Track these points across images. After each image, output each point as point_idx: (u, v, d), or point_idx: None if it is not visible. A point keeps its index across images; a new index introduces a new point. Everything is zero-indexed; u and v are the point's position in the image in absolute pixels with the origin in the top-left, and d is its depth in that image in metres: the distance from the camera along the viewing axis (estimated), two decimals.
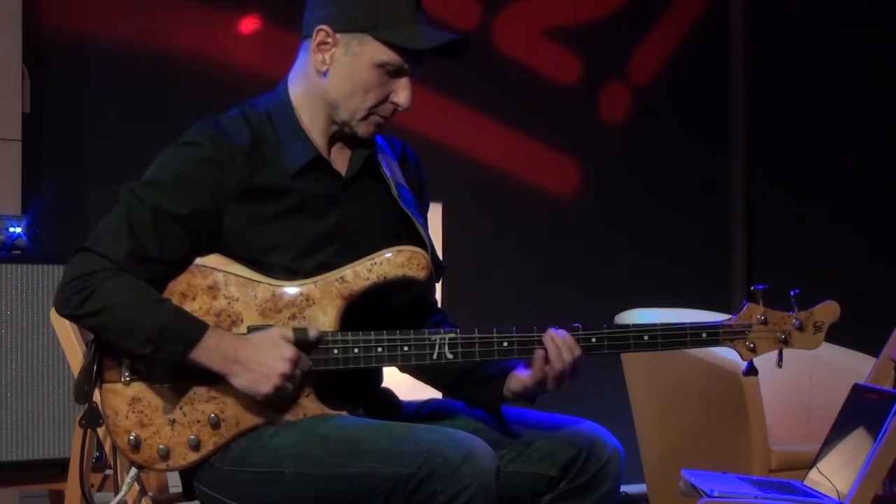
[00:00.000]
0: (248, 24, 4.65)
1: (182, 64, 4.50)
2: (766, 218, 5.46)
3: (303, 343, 2.25)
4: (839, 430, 2.92)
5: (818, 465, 2.89)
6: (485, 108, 5.06)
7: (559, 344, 2.29)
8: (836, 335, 4.19)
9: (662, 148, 5.35)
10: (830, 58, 5.54)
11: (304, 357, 2.25)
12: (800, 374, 4.16)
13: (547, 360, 2.30)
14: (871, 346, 3.49)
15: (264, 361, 2.22)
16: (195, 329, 2.23)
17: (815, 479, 2.87)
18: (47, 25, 4.33)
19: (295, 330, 2.25)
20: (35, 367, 3.45)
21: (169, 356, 2.22)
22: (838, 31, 5.56)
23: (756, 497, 2.77)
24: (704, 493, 2.79)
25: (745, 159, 5.47)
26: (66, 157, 4.37)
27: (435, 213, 4.31)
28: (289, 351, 2.22)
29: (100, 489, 3.35)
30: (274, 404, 2.27)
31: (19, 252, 3.49)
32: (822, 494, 2.81)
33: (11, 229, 3.50)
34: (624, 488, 4.70)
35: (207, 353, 2.22)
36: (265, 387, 2.22)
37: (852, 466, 2.76)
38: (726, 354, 3.83)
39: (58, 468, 3.43)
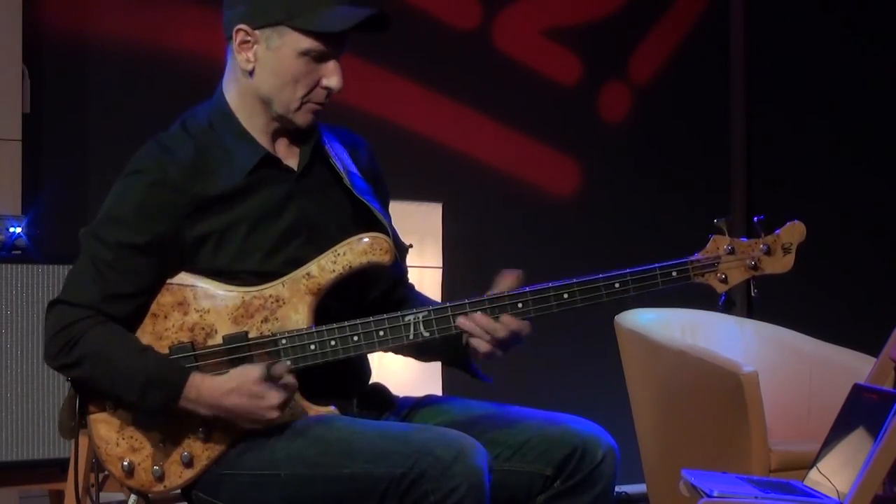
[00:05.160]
0: None
1: (182, 64, 4.49)
2: (767, 217, 5.44)
3: (278, 378, 2.24)
4: (839, 430, 2.91)
5: (818, 465, 2.89)
6: (485, 108, 5.06)
7: (472, 327, 2.28)
8: (837, 335, 4.22)
9: (662, 148, 5.35)
10: (830, 57, 5.54)
11: (291, 380, 2.25)
12: (800, 374, 4.16)
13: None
14: (871, 346, 3.49)
15: (252, 412, 2.23)
16: (178, 377, 2.23)
17: (815, 479, 2.87)
18: (47, 25, 4.32)
19: (269, 367, 2.23)
20: (35, 368, 3.45)
21: (154, 404, 2.23)
22: (838, 30, 5.56)
23: (756, 497, 2.77)
24: (704, 493, 2.79)
25: (745, 159, 5.47)
26: (66, 157, 4.37)
27: (435, 213, 4.33)
28: (276, 398, 2.23)
29: (100, 489, 3.35)
30: None
31: (19, 252, 3.48)
32: (822, 494, 2.81)
33: (11, 229, 3.50)
34: (623, 488, 4.73)
35: (193, 402, 2.24)
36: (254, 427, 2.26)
37: (852, 466, 2.76)
38: (726, 354, 3.84)
39: (58, 468, 3.43)
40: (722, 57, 5.46)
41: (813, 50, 5.54)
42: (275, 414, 2.23)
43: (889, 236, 5.47)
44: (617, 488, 2.36)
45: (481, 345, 2.29)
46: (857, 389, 2.97)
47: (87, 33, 4.42)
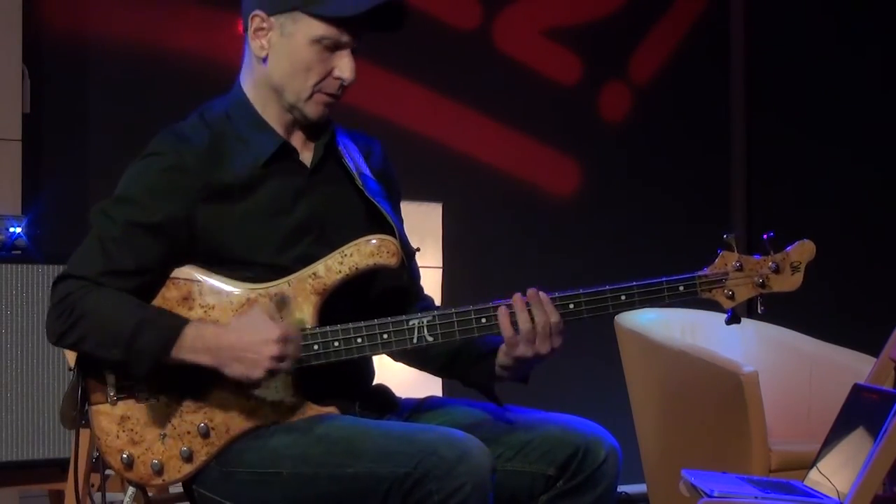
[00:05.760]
0: None
1: (182, 64, 4.50)
2: (767, 218, 5.45)
3: (283, 304, 2.25)
4: (839, 430, 2.91)
5: (818, 465, 2.89)
6: (485, 108, 5.06)
7: (517, 306, 2.26)
8: (837, 335, 4.22)
9: (662, 148, 5.35)
10: (830, 57, 5.54)
11: (292, 328, 2.22)
12: (800, 374, 4.16)
13: (515, 327, 2.27)
14: (871, 346, 3.49)
15: (250, 347, 2.19)
16: (173, 321, 2.22)
17: (815, 479, 2.87)
18: (47, 25, 4.32)
19: (272, 298, 2.25)
20: (35, 368, 3.45)
21: (147, 346, 2.19)
22: (838, 30, 5.56)
23: (756, 497, 2.77)
24: (704, 493, 2.79)
25: (746, 159, 5.47)
26: (66, 157, 4.37)
27: (435, 213, 4.32)
28: (275, 331, 2.19)
29: (100, 489, 3.35)
30: (264, 402, 2.27)
31: (19, 252, 3.48)
32: (822, 494, 2.81)
33: (11, 229, 3.50)
34: (624, 488, 4.73)
35: (190, 349, 2.20)
36: (257, 372, 2.20)
37: (852, 466, 2.76)
38: (726, 354, 3.84)
39: (58, 468, 3.43)
40: (722, 57, 5.46)
41: (813, 50, 5.54)
42: (275, 349, 2.17)
43: (889, 237, 5.48)
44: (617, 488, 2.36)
45: (524, 328, 2.25)
46: (857, 389, 2.97)
47: (87, 33, 4.42)
